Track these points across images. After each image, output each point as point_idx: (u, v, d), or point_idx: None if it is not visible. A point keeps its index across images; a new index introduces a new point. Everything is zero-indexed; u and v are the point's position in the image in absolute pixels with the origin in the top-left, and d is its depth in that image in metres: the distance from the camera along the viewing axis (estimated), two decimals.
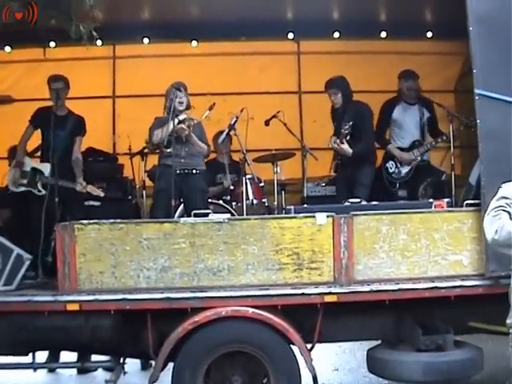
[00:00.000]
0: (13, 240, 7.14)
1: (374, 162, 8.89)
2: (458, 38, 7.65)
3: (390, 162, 9.14)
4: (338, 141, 8.49)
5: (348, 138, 8.44)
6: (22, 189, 8.39)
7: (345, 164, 8.75)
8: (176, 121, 7.99)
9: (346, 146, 8.48)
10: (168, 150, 8.01)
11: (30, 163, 8.47)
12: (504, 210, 5.24)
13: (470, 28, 6.59)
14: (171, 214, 7.72)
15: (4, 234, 7.17)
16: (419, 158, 8.99)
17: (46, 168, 8.34)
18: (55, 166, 8.20)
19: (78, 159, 8.72)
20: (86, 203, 9.10)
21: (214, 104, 8.61)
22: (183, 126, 8.10)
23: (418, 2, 9.29)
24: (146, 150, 9.17)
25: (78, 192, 8.41)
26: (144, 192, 9.18)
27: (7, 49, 10.26)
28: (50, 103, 8.58)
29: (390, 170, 9.11)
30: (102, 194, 8.69)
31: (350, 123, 8.36)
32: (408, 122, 9.13)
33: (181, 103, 8.19)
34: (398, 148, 9.14)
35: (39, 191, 8.24)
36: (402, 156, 9.07)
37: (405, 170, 9.04)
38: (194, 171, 8.25)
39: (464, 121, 8.50)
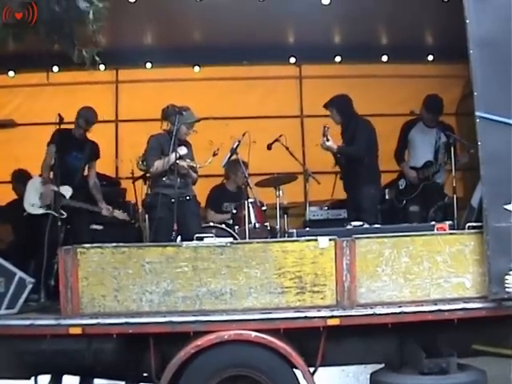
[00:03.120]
0: (16, 263, 7.15)
1: (377, 183, 8.91)
2: (459, 61, 7.68)
3: (402, 180, 9.41)
4: (323, 139, 8.59)
5: (327, 136, 8.55)
6: (42, 211, 8.36)
7: (347, 184, 8.82)
8: (177, 155, 8.03)
9: (329, 143, 8.58)
10: (167, 181, 8.06)
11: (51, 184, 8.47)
12: None
13: (471, 51, 6.62)
14: (174, 240, 7.73)
15: (7, 258, 7.18)
16: (428, 178, 9.07)
17: (66, 191, 8.37)
18: (75, 188, 8.27)
19: (97, 183, 8.85)
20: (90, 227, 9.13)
21: (218, 149, 8.67)
22: (184, 165, 8.14)
23: (419, 26, 9.34)
24: (148, 174, 9.18)
25: (86, 216, 8.45)
26: (147, 216, 9.18)
27: (11, 73, 10.32)
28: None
29: (400, 187, 9.31)
30: (128, 218, 8.76)
31: (328, 126, 8.59)
32: (423, 143, 9.27)
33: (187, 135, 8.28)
34: (412, 167, 9.30)
35: (61, 214, 8.22)
36: (408, 173, 9.22)
37: (413, 188, 9.13)
38: (188, 197, 8.29)
39: (466, 144, 8.54)
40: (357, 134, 8.74)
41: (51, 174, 8.48)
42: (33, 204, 8.44)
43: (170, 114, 8.26)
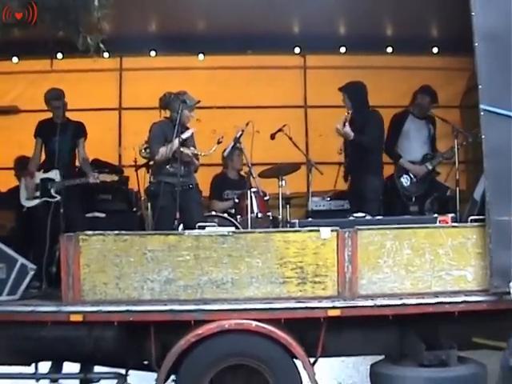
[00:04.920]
0: (18, 250, 7.17)
1: (381, 175, 8.89)
2: (464, 54, 7.65)
3: (405, 176, 9.24)
4: (341, 123, 8.53)
5: (348, 124, 8.47)
6: (37, 201, 8.38)
7: (352, 174, 8.81)
8: (177, 140, 8.02)
9: (347, 129, 8.48)
10: (171, 169, 8.05)
11: (38, 175, 8.47)
12: None
13: (476, 44, 6.60)
14: (176, 229, 7.73)
15: (9, 244, 7.18)
16: (433, 171, 9.08)
17: (54, 174, 8.37)
18: (63, 169, 8.29)
19: (85, 159, 8.81)
20: (91, 214, 9.13)
21: (222, 137, 8.67)
22: (188, 152, 8.14)
23: (424, 18, 9.31)
24: (151, 163, 9.17)
25: (77, 201, 8.48)
26: (149, 204, 9.18)
27: (14, 59, 10.30)
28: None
29: (406, 184, 9.17)
30: (116, 178, 8.79)
31: (350, 112, 8.52)
32: (417, 136, 9.24)
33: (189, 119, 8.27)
34: (410, 161, 9.25)
35: (54, 197, 8.24)
36: (416, 169, 9.15)
37: (420, 183, 9.10)
38: (191, 186, 8.29)
39: (468, 136, 8.53)
40: (369, 125, 8.64)
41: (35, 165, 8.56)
42: (26, 198, 8.47)
43: (171, 101, 8.25)
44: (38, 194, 8.38)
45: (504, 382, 6.06)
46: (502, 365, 6.10)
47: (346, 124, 8.45)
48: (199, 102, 8.28)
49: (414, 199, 9.13)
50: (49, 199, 8.26)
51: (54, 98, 8.62)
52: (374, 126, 8.70)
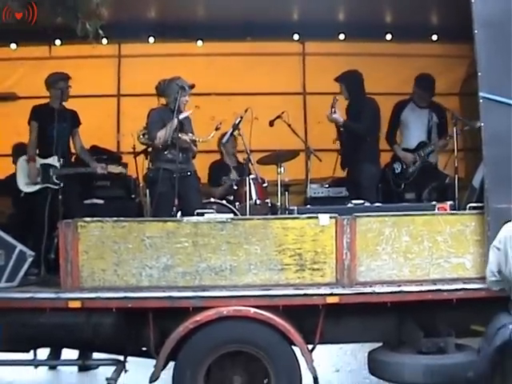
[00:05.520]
0: (16, 237, 7.16)
1: (377, 162, 8.92)
2: (464, 41, 7.63)
3: (397, 163, 9.26)
4: (329, 110, 8.61)
5: (335, 108, 8.60)
6: (37, 187, 8.35)
7: (348, 161, 8.82)
8: (176, 122, 8.00)
9: (336, 116, 8.62)
10: (169, 156, 8.04)
11: (38, 161, 8.44)
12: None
13: (476, 31, 6.60)
14: (174, 216, 7.72)
15: (7, 231, 7.18)
16: (424, 159, 9.04)
17: (53, 161, 8.34)
18: (61, 156, 8.27)
19: (83, 147, 8.79)
20: (89, 201, 9.12)
21: (220, 124, 8.65)
22: (186, 139, 8.13)
23: (424, 5, 9.26)
24: (150, 149, 9.16)
25: (76, 187, 8.47)
26: (147, 191, 9.17)
27: (13, 46, 10.26)
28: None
29: (396, 171, 9.20)
30: (124, 171, 8.89)
31: (336, 97, 8.63)
32: (415, 124, 9.21)
33: (185, 104, 8.26)
34: (405, 149, 9.23)
35: (56, 184, 8.22)
36: (406, 156, 9.16)
37: (409, 170, 9.09)
38: (189, 173, 8.28)
39: (468, 123, 8.52)
40: (363, 112, 8.70)
41: (37, 150, 8.47)
42: (26, 183, 8.42)
43: (167, 88, 8.26)
44: (39, 179, 8.34)
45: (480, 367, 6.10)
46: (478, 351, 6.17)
47: (334, 110, 8.52)
48: (194, 85, 8.27)
49: (403, 186, 9.13)
50: (51, 185, 8.23)
51: (61, 78, 8.56)
52: (368, 114, 8.74)
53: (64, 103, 8.61)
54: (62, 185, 8.15)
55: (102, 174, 8.73)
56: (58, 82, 8.53)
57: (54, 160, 8.33)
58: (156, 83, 8.44)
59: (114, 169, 8.69)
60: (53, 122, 8.26)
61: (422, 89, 9.17)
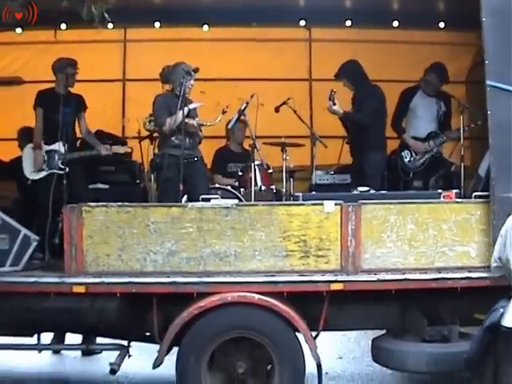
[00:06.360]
0: (21, 221, 7.16)
1: (383, 150, 8.91)
2: (471, 29, 7.64)
3: (406, 151, 9.23)
4: (330, 103, 8.60)
5: (333, 100, 8.59)
6: (43, 174, 8.32)
7: (353, 149, 8.83)
8: (186, 109, 8.00)
9: (336, 107, 8.62)
10: (176, 141, 8.01)
11: (44, 147, 8.42)
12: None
13: (483, 19, 6.58)
14: (180, 201, 7.72)
15: (12, 215, 7.18)
16: (435, 150, 9.02)
17: (59, 147, 8.33)
18: (67, 142, 8.27)
19: (89, 130, 8.79)
20: (94, 186, 9.11)
21: (227, 107, 8.61)
22: (194, 123, 8.12)
23: None
24: (155, 134, 9.14)
25: (81, 172, 8.47)
26: (152, 176, 9.17)
27: (18, 30, 10.23)
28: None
29: (405, 159, 9.18)
30: (129, 150, 8.98)
31: (335, 90, 8.61)
32: (425, 113, 9.19)
33: (190, 89, 8.24)
34: (414, 137, 9.18)
35: (62, 169, 8.21)
36: (417, 145, 9.14)
37: (419, 159, 9.08)
38: (196, 158, 8.28)
39: (475, 112, 8.49)
40: (365, 101, 8.70)
41: (42, 136, 8.45)
42: (32, 171, 8.40)
43: (172, 74, 8.24)
44: (44, 166, 8.33)
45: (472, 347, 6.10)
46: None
47: (333, 102, 8.55)
48: (198, 69, 8.24)
49: (411, 174, 9.12)
50: (57, 171, 8.22)
51: (69, 64, 8.55)
52: (369, 102, 8.73)
53: (70, 88, 8.60)
54: (67, 170, 8.15)
55: (107, 158, 8.73)
56: (65, 68, 8.52)
57: (59, 146, 8.32)
58: (161, 69, 8.42)
59: (119, 149, 8.70)
60: (58, 108, 8.25)
61: (437, 76, 9.12)
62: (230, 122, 8.97)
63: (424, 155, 9.09)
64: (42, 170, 8.31)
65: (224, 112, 8.59)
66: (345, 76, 8.91)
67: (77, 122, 8.68)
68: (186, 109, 7.99)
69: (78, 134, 8.81)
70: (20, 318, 6.60)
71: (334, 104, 8.57)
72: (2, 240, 6.94)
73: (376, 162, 8.72)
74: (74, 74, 8.56)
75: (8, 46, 10.40)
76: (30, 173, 8.41)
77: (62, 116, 8.28)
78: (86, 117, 8.77)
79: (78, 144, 8.88)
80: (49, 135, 8.39)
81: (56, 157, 8.29)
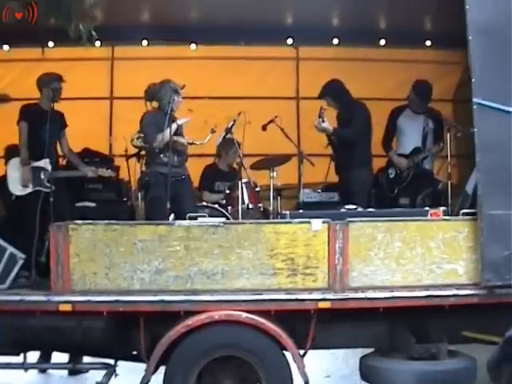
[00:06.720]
0: (7, 239, 7.12)
1: (369, 168, 8.96)
2: (457, 48, 7.64)
3: (391, 168, 9.32)
4: (318, 120, 8.62)
5: (323, 117, 8.61)
6: (29, 190, 8.27)
7: (340, 167, 8.86)
8: (175, 125, 8.01)
9: (325, 124, 8.64)
10: (164, 159, 7.99)
11: (30, 163, 8.38)
12: None
13: (470, 37, 6.59)
14: (167, 219, 7.70)
15: None
16: (417, 163, 9.07)
17: (45, 164, 8.29)
18: (51, 159, 8.25)
19: (71, 150, 8.77)
20: (81, 204, 9.09)
21: (216, 127, 8.65)
22: (184, 141, 8.12)
23: (418, 11, 9.26)
24: (142, 152, 9.13)
25: (65, 190, 8.42)
26: (139, 194, 9.16)
27: (5, 47, 10.24)
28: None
29: (390, 176, 9.24)
30: (114, 174, 8.92)
31: (324, 107, 8.64)
32: (411, 130, 9.23)
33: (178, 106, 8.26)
34: (400, 155, 9.25)
35: (48, 187, 8.17)
36: (400, 162, 9.19)
37: (403, 175, 9.11)
38: (184, 177, 8.28)
39: (460, 129, 8.52)
40: (353, 118, 8.75)
41: (27, 152, 8.40)
42: (17, 186, 8.34)
43: (159, 91, 8.26)
44: (30, 183, 8.28)
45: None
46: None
47: (322, 119, 8.56)
48: (185, 86, 8.25)
49: (396, 191, 9.17)
50: (42, 189, 8.18)
51: (55, 79, 8.53)
52: (357, 119, 8.81)
53: (53, 105, 8.56)
54: (53, 188, 8.11)
55: (94, 177, 8.71)
56: (51, 82, 8.49)
57: (45, 163, 8.28)
58: (147, 85, 8.43)
59: (104, 172, 8.67)
60: (43, 124, 8.21)
61: (419, 95, 9.16)
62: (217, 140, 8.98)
63: (407, 171, 9.12)
64: (27, 186, 8.26)
65: (213, 132, 8.61)
66: (329, 95, 8.99)
67: (58, 140, 8.65)
68: (174, 125, 8.02)
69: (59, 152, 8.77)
70: (6, 337, 6.55)
71: (323, 121, 8.58)
72: None
73: (362, 179, 8.78)
74: (59, 88, 8.54)
75: None
76: (15, 188, 8.35)
77: (46, 133, 8.24)
78: (73, 134, 8.75)
79: (60, 161, 8.84)
80: (34, 151, 8.34)
81: (42, 174, 8.25)
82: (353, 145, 8.71)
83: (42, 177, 8.23)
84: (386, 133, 9.39)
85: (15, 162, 8.45)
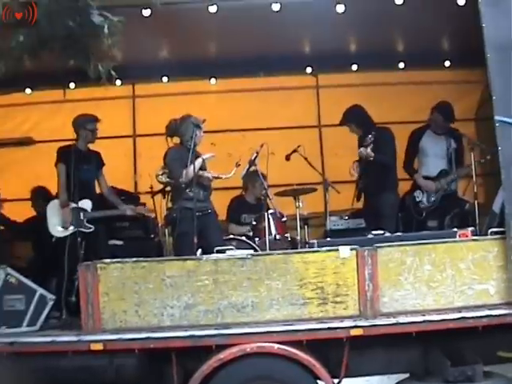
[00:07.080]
0: (36, 281, 7.15)
1: (396, 191, 8.90)
2: (477, 66, 7.62)
3: (418, 191, 9.24)
4: (364, 146, 8.55)
5: (371, 146, 8.49)
6: (69, 232, 8.28)
7: (367, 192, 8.79)
8: (200, 160, 8.05)
9: (369, 151, 8.52)
10: (190, 194, 7.99)
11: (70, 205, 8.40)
12: None
13: (488, 55, 6.57)
14: (195, 254, 7.69)
15: (27, 275, 7.17)
16: (446, 187, 9.00)
17: (86, 204, 8.32)
18: (92, 199, 8.34)
19: (110, 189, 8.84)
20: (110, 242, 9.11)
21: (240, 160, 8.64)
22: (209, 176, 8.15)
23: (435, 32, 9.28)
24: (167, 189, 9.15)
25: (103, 230, 8.44)
26: (166, 230, 9.17)
27: (28, 91, 10.35)
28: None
29: (417, 199, 9.16)
30: (153, 215, 9.01)
31: (373, 133, 8.48)
32: (435, 151, 9.17)
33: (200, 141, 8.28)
34: (425, 177, 9.16)
35: (88, 228, 8.21)
36: (427, 185, 9.12)
37: (431, 198, 9.05)
38: (210, 211, 8.29)
39: (485, 149, 8.48)
40: (384, 144, 8.65)
41: (66, 193, 8.41)
42: (59, 228, 8.35)
43: (181, 127, 8.28)
44: (70, 224, 8.29)
45: None
46: None
47: (366, 146, 8.48)
48: (205, 120, 8.27)
49: (424, 214, 9.09)
50: (83, 229, 8.20)
51: (91, 120, 8.59)
52: (388, 144, 8.77)
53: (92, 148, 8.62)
54: (92, 228, 8.15)
55: (122, 215, 8.73)
56: (88, 123, 8.55)
57: (86, 204, 8.31)
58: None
59: (144, 211, 8.74)
60: (81, 165, 8.27)
61: (442, 116, 9.12)
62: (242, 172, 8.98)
63: (436, 194, 9.07)
64: (67, 228, 8.27)
65: (238, 165, 8.60)
66: (352, 122, 8.93)
67: (96, 180, 8.70)
68: (199, 160, 8.03)
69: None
70: (39, 378, 6.56)
71: (367, 147, 8.51)
72: (19, 300, 6.93)
73: (391, 203, 8.74)
74: (95, 129, 8.60)
75: (18, 107, 10.52)
76: (56, 230, 8.36)
77: (84, 173, 8.30)
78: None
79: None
80: (71, 192, 8.37)
81: (82, 215, 8.27)
82: (387, 169, 8.67)
83: (82, 217, 8.26)
84: (407, 155, 9.32)
85: (54, 203, 8.47)
